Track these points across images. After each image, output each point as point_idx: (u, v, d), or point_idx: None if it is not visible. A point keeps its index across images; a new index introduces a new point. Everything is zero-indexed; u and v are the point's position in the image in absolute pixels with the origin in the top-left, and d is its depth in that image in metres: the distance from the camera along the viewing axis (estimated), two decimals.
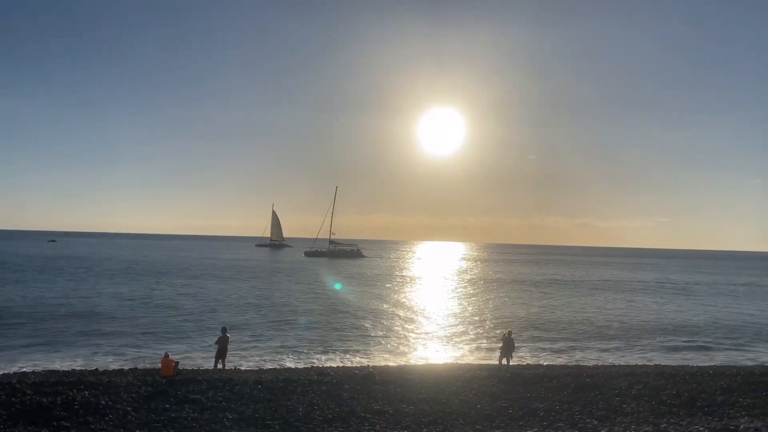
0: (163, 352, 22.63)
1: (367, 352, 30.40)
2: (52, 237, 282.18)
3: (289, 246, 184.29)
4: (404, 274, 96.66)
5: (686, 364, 27.85)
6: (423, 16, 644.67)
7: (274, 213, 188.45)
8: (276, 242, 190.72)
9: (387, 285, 72.19)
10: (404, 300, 55.64)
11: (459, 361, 28.61)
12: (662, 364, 28.10)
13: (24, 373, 22.34)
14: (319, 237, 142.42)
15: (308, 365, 26.40)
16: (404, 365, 26.97)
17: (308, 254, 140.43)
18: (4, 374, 22.16)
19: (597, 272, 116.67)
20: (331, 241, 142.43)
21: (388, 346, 32.30)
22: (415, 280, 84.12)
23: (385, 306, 49.92)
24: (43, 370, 23.28)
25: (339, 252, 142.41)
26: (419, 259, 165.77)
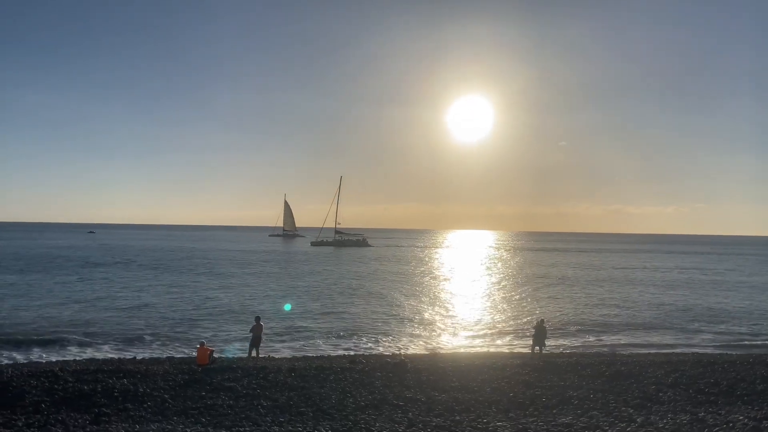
0: (198, 342, 23.03)
1: (399, 340, 30.48)
2: (90, 229, 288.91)
3: (301, 236, 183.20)
4: (419, 263, 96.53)
5: (725, 353, 27.26)
6: (449, 3, 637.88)
7: (286, 203, 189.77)
8: (289, 232, 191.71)
9: (411, 274, 72.23)
10: (433, 289, 55.59)
11: (491, 349, 28.51)
12: (700, 352, 27.57)
13: (66, 361, 23.00)
14: (325, 226, 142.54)
15: (340, 353, 26.61)
16: (436, 353, 26.97)
17: (314, 244, 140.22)
18: (47, 362, 22.86)
19: (630, 260, 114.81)
20: (337, 231, 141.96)
21: (419, 334, 32.34)
22: (435, 269, 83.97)
23: (413, 295, 49.93)
24: (83, 359, 23.95)
25: (345, 241, 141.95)
26: (439, 247, 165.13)
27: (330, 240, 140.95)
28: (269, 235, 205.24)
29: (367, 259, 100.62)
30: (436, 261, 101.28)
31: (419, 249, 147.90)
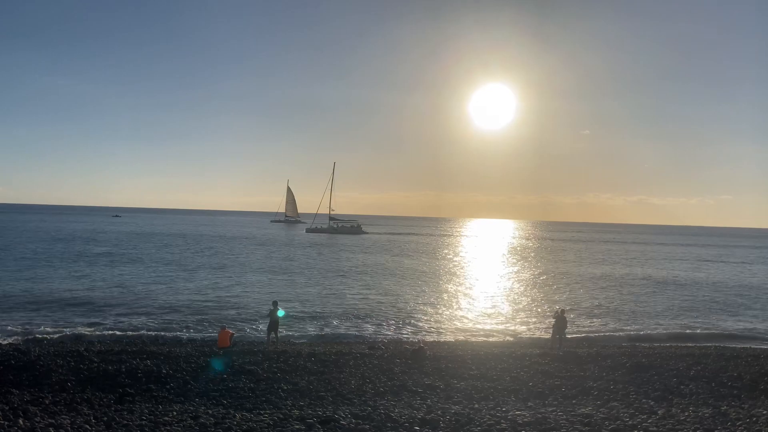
0: (220, 325, 23.32)
1: (418, 327, 30.52)
2: (114, 213, 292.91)
3: (303, 222, 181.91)
4: (421, 251, 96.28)
5: (748, 346, 26.88)
6: None
7: (289, 189, 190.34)
8: (290, 218, 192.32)
9: (425, 263, 72.18)
10: (453, 276, 55.52)
11: (510, 339, 28.45)
12: (722, 345, 27.22)
13: (91, 341, 23.47)
14: (319, 213, 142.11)
15: (359, 339, 26.75)
16: (455, 341, 27.01)
17: (309, 230, 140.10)
18: (73, 342, 23.34)
19: (653, 251, 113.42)
20: (331, 218, 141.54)
21: (439, 321, 32.35)
22: (450, 257, 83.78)
23: (433, 281, 49.93)
24: (108, 340, 24.42)
25: (339, 228, 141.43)
26: (446, 235, 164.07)
27: (325, 227, 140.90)
28: (271, 221, 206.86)
29: (362, 246, 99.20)
30: (447, 249, 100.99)
31: (417, 237, 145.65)
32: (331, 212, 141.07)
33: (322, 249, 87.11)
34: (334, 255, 76.23)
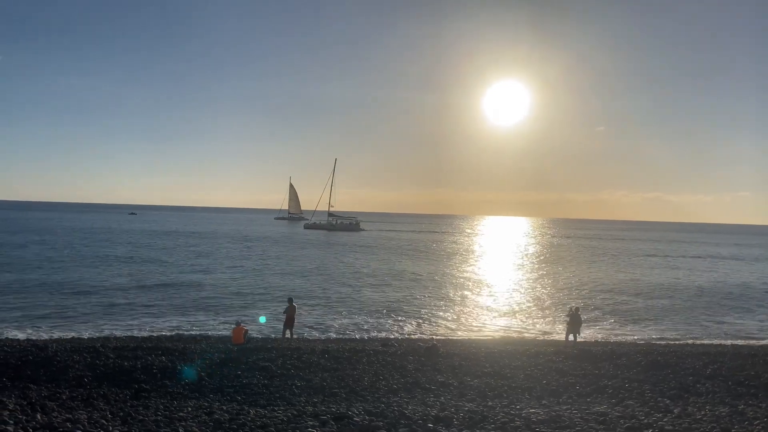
0: (234, 321, 23.45)
1: (431, 324, 30.51)
2: (130, 210, 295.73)
3: (306, 219, 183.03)
4: (420, 250, 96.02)
5: (766, 345, 26.55)
6: None
7: (291, 186, 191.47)
8: (294, 215, 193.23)
9: (442, 258, 72.03)
10: (467, 273, 55.37)
11: (524, 336, 28.33)
12: (740, 344, 26.92)
13: (107, 337, 23.71)
14: (319, 209, 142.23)
15: (373, 336, 26.77)
16: (468, 338, 26.95)
17: (308, 227, 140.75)
18: (89, 338, 23.60)
19: (669, 249, 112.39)
20: (330, 214, 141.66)
21: (452, 319, 32.31)
22: (460, 255, 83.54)
23: (446, 279, 49.84)
24: (123, 336, 24.66)
25: (337, 225, 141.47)
26: (446, 233, 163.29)
27: (323, 223, 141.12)
28: (275, 218, 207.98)
29: (358, 243, 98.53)
30: (451, 248, 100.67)
31: (417, 234, 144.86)
32: (331, 208, 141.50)
33: (318, 247, 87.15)
34: (332, 253, 76.31)
